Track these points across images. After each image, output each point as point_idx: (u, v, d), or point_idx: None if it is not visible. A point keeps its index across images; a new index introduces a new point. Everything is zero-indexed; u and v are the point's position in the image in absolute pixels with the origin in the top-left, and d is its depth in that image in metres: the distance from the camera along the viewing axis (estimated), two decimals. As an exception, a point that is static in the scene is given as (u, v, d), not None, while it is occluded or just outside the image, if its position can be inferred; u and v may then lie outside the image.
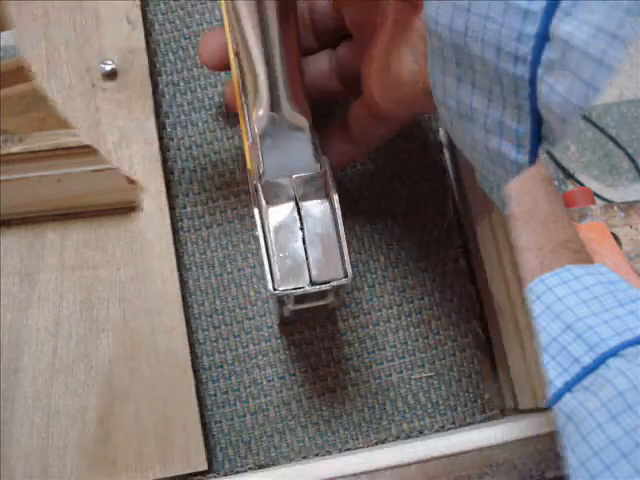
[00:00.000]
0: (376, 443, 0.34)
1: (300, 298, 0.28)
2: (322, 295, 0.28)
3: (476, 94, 0.20)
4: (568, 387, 0.21)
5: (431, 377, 0.35)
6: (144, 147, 0.35)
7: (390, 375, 0.35)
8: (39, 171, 0.32)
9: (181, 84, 0.37)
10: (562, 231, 0.25)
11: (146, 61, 0.36)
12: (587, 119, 0.90)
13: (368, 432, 0.34)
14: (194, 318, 0.35)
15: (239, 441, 0.34)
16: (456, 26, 0.18)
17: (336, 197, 0.27)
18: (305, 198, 0.28)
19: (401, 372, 0.35)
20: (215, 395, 0.34)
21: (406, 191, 0.37)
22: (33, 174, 0.32)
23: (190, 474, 0.32)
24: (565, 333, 0.23)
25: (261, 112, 0.28)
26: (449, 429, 0.34)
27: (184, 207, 0.36)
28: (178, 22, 0.38)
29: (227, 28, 0.31)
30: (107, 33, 0.36)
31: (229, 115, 0.37)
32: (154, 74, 0.37)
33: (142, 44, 0.36)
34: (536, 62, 0.17)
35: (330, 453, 0.33)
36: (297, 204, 0.28)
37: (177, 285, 0.33)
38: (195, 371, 0.33)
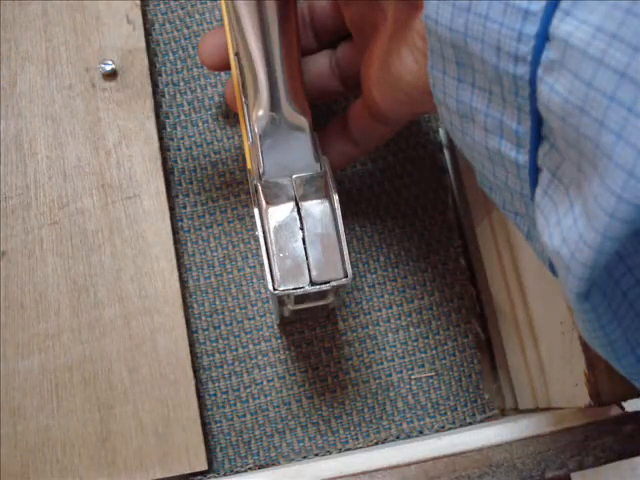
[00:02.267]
0: (376, 443, 0.34)
1: (300, 298, 0.28)
2: (322, 295, 0.28)
3: (476, 94, 0.20)
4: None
5: (431, 377, 0.35)
6: (144, 147, 0.35)
7: (390, 375, 0.35)
8: None
9: (181, 84, 0.37)
10: None
11: (146, 61, 0.36)
12: None
13: (368, 432, 0.34)
14: (194, 318, 0.35)
15: (239, 441, 0.34)
16: (456, 26, 0.18)
17: (336, 197, 0.27)
18: (305, 198, 0.28)
19: (401, 372, 0.35)
20: (215, 395, 0.34)
21: (406, 191, 0.37)
22: None
23: (190, 474, 0.32)
24: None
25: (261, 112, 0.28)
26: (449, 429, 0.34)
27: (184, 207, 0.36)
28: (178, 22, 0.38)
29: (227, 28, 0.31)
30: (107, 33, 0.36)
31: (229, 115, 0.37)
32: (154, 74, 0.37)
33: (142, 44, 0.36)
34: (536, 62, 0.17)
35: (330, 453, 0.33)
36: (297, 204, 0.28)
37: (177, 285, 0.33)
38: (195, 371, 0.33)
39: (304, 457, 0.34)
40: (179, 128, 0.37)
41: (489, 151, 0.20)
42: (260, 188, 0.28)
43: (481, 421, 0.34)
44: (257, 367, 0.34)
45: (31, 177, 0.34)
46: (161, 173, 0.34)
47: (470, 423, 0.34)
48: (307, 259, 0.27)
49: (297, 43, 0.28)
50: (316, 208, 0.28)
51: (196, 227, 0.36)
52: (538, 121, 0.18)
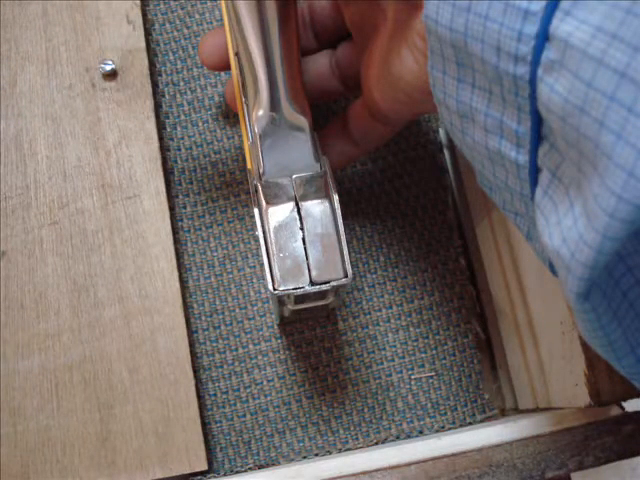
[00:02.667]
0: (376, 443, 0.34)
1: (300, 298, 0.28)
2: (322, 295, 0.28)
3: (476, 94, 0.20)
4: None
5: (431, 377, 0.35)
6: (144, 147, 0.35)
7: (390, 375, 0.35)
8: None
9: (181, 84, 0.37)
10: None
11: (146, 61, 0.36)
12: None
13: (368, 432, 0.34)
14: (194, 318, 0.35)
15: (239, 441, 0.34)
16: (456, 26, 0.18)
17: (336, 197, 0.27)
18: (305, 198, 0.28)
19: (401, 372, 0.35)
20: (215, 395, 0.34)
21: (406, 191, 0.37)
22: None
23: (190, 474, 0.32)
24: None
25: (261, 112, 0.28)
26: (449, 429, 0.34)
27: (184, 207, 0.36)
28: (178, 22, 0.38)
29: (227, 28, 0.31)
30: (107, 33, 0.36)
31: (229, 115, 0.37)
32: (154, 74, 0.37)
33: (142, 44, 0.36)
34: (536, 62, 0.17)
35: (330, 453, 0.33)
36: (297, 204, 0.28)
37: (177, 285, 0.33)
38: (195, 371, 0.33)
39: (304, 457, 0.34)
40: (179, 128, 0.37)
41: (489, 151, 0.20)
42: (260, 188, 0.28)
43: (481, 421, 0.34)
44: (257, 367, 0.34)
45: (31, 177, 0.34)
46: (161, 173, 0.34)
47: (470, 423, 0.34)
48: (307, 259, 0.27)
49: (297, 43, 0.28)
50: (316, 208, 0.28)
51: (196, 227, 0.36)
52: (538, 121, 0.18)
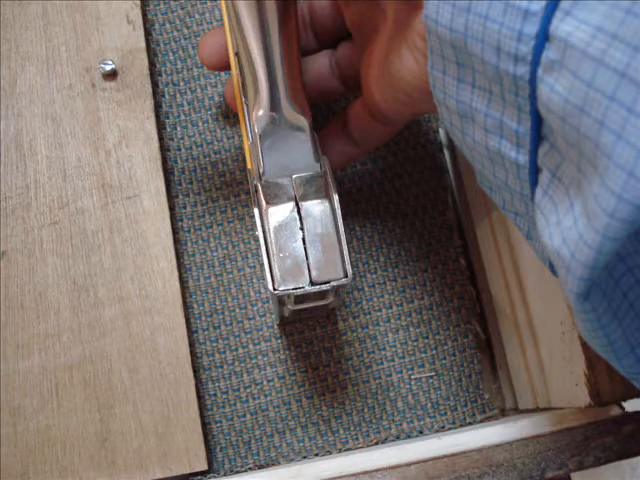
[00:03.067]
0: (376, 443, 0.34)
1: (300, 298, 0.28)
2: (322, 295, 0.28)
3: (476, 94, 0.20)
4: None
5: (431, 377, 0.35)
6: (144, 147, 0.35)
7: (390, 375, 0.35)
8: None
9: (181, 84, 0.37)
10: None
11: (146, 61, 0.36)
12: None
13: (368, 432, 0.34)
14: (194, 318, 0.35)
15: (239, 441, 0.34)
16: (456, 26, 0.18)
17: (336, 197, 0.27)
18: (305, 198, 0.28)
19: (401, 372, 0.35)
20: (215, 395, 0.34)
21: (406, 191, 0.37)
22: None
23: (190, 474, 0.32)
24: None
25: (261, 112, 0.28)
26: (449, 429, 0.34)
27: (184, 207, 0.36)
28: (178, 22, 0.38)
29: (227, 28, 0.31)
30: (107, 33, 0.36)
31: (229, 115, 0.37)
32: (154, 74, 0.37)
33: (142, 44, 0.36)
34: (536, 62, 0.17)
35: (330, 453, 0.33)
36: (297, 204, 0.28)
37: (177, 285, 0.33)
38: (195, 371, 0.33)
39: (304, 457, 0.34)
40: (179, 128, 0.37)
41: (489, 151, 0.20)
42: (260, 188, 0.28)
43: (481, 421, 0.34)
44: (257, 367, 0.34)
45: (31, 177, 0.34)
46: (161, 173, 0.34)
47: (470, 423, 0.34)
48: (307, 259, 0.27)
49: (297, 43, 0.28)
50: (316, 208, 0.28)
51: (196, 227, 0.36)
52: (538, 121, 0.18)
